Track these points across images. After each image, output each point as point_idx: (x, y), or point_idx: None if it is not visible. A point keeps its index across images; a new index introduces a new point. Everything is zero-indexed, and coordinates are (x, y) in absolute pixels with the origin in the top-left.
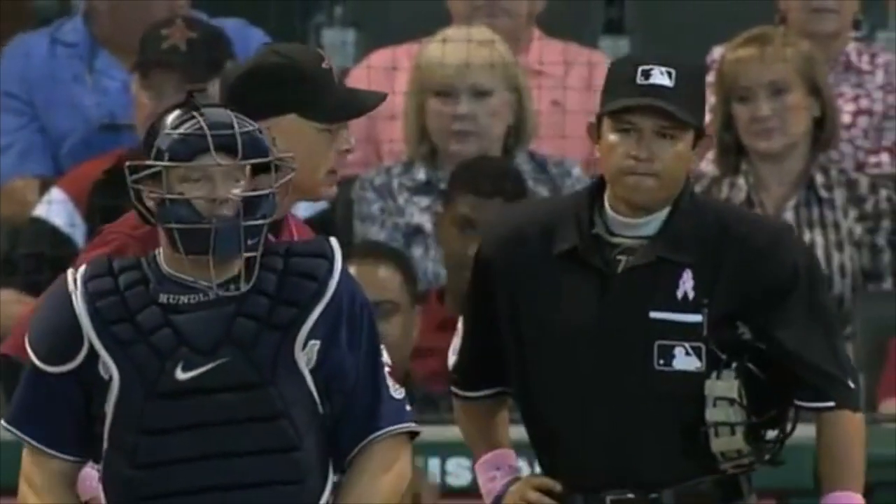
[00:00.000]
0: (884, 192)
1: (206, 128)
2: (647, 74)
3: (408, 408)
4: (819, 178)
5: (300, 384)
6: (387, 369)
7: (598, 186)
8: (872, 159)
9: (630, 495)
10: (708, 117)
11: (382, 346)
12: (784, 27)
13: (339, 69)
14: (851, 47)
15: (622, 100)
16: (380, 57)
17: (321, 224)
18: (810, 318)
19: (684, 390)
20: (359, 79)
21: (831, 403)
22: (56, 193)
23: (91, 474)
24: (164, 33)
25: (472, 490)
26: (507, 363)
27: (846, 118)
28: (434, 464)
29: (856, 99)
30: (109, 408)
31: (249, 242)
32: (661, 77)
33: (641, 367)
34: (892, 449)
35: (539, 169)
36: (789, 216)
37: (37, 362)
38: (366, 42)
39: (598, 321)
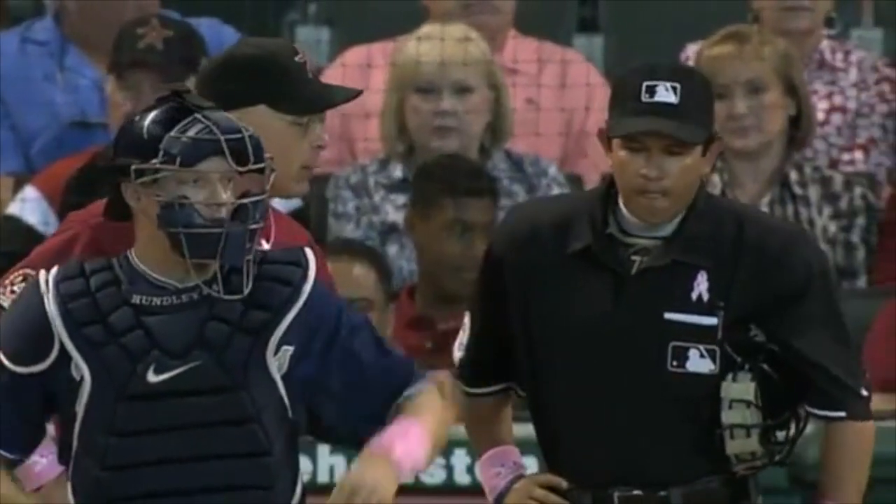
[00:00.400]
0: (858, 190)
1: (218, 132)
2: (651, 91)
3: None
4: (793, 176)
5: (271, 389)
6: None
7: (612, 186)
8: (846, 157)
9: (638, 492)
10: None
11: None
12: (759, 25)
13: (313, 67)
14: (825, 45)
15: (627, 120)
16: (354, 55)
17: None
18: (823, 323)
19: (697, 392)
20: (333, 77)
21: (842, 414)
22: (30, 192)
23: (33, 464)
24: (139, 32)
25: (445, 488)
26: (515, 360)
27: (820, 115)
28: None
29: (829, 96)
30: (80, 409)
31: (247, 247)
32: (665, 94)
33: (654, 368)
34: (881, 446)
35: (515, 168)
36: None
37: (5, 362)
38: (340, 40)
39: (612, 321)
